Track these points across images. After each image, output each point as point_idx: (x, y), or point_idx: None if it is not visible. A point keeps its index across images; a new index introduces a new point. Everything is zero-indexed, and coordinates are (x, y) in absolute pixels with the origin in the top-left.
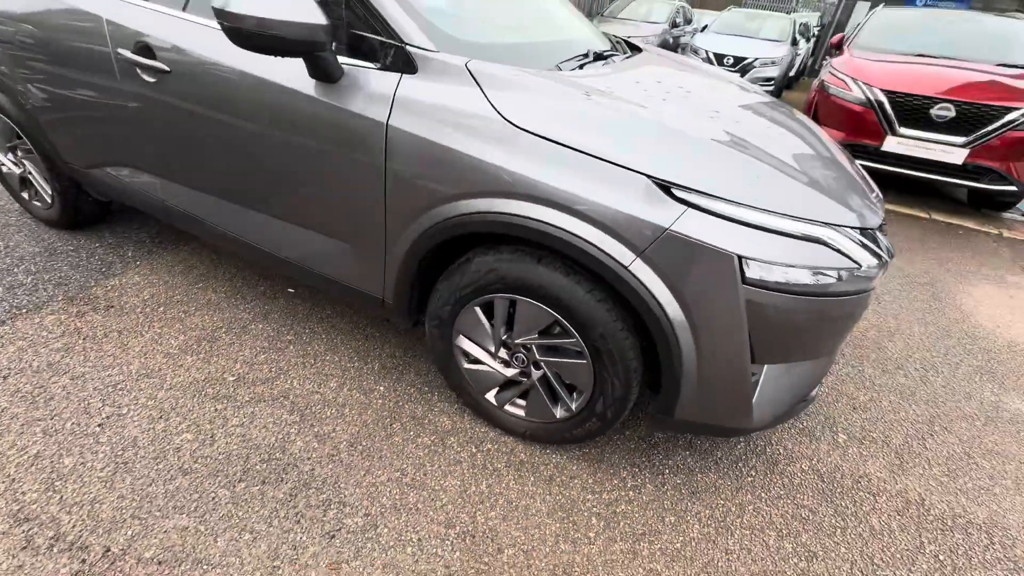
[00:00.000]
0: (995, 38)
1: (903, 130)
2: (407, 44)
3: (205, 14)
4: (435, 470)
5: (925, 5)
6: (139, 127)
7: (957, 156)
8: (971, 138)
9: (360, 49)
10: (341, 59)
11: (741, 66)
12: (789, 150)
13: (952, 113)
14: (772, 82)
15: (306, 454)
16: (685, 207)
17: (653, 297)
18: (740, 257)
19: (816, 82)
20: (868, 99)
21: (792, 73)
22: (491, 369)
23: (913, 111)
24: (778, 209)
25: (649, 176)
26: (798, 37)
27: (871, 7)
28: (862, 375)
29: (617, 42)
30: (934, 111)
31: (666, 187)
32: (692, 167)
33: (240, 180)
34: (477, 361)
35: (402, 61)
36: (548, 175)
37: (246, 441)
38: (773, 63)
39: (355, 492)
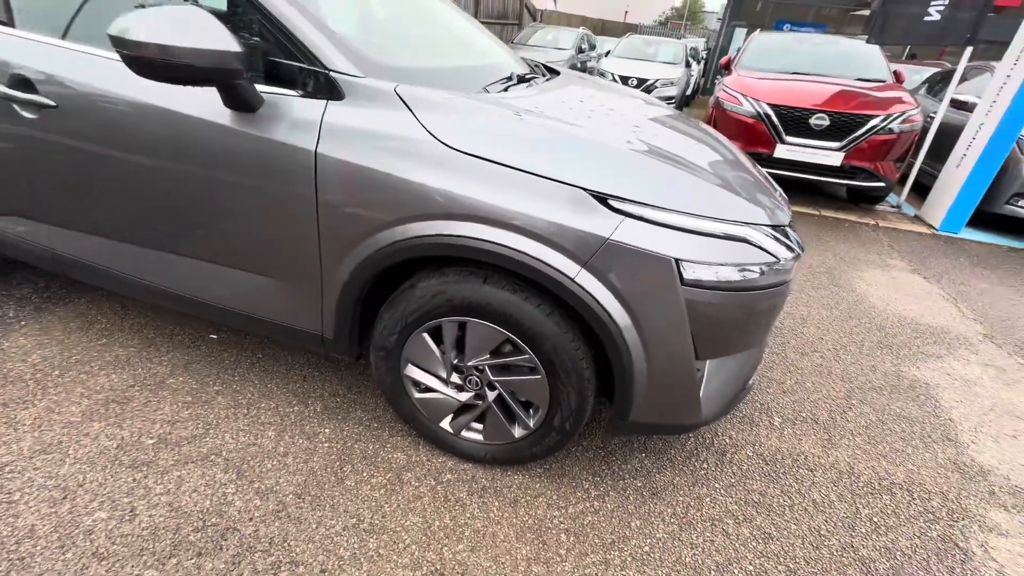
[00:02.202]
0: (851, 58)
1: (789, 138)
2: (331, 70)
3: (96, 42)
4: (394, 510)
5: (790, 30)
6: (17, 169)
7: (835, 159)
8: (844, 143)
9: (279, 76)
10: (259, 87)
11: (644, 87)
12: (704, 157)
13: (827, 122)
14: (672, 100)
15: (247, 514)
16: (622, 216)
17: (601, 306)
18: (677, 260)
19: (712, 99)
20: (758, 112)
21: (688, 92)
22: (444, 396)
23: (795, 121)
24: (705, 213)
25: (586, 189)
26: (690, 60)
27: (747, 33)
28: (786, 360)
29: (536, 66)
30: (812, 120)
31: (603, 199)
32: (625, 178)
33: (148, 221)
34: (429, 389)
35: (327, 88)
36: (487, 194)
37: (174, 510)
38: (672, 83)
39: (308, 548)
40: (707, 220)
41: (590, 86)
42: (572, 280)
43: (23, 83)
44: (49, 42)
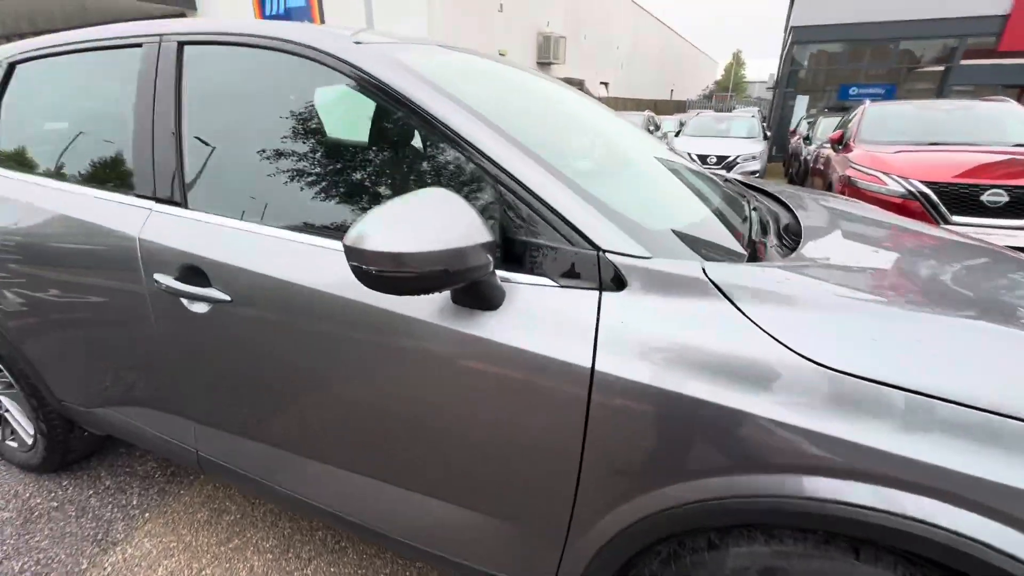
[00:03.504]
0: (995, 121)
1: (956, 218)
2: (605, 250)
3: (282, 222)
4: None
5: (856, 96)
6: (175, 365)
7: (1022, 239)
8: None
9: (519, 257)
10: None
11: (724, 164)
12: None
13: (1006, 198)
14: (757, 174)
15: None
16: None
17: None
18: None
19: (837, 179)
20: (909, 191)
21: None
22: None
23: (962, 199)
24: None
25: None
26: (767, 132)
27: (808, 102)
28: None
29: (727, 180)
30: (986, 197)
31: None
32: None
33: (329, 435)
34: None
35: (600, 274)
36: (911, 445)
37: None
38: (754, 158)
39: None
40: None
41: (849, 219)
42: None
43: (195, 274)
44: (227, 225)
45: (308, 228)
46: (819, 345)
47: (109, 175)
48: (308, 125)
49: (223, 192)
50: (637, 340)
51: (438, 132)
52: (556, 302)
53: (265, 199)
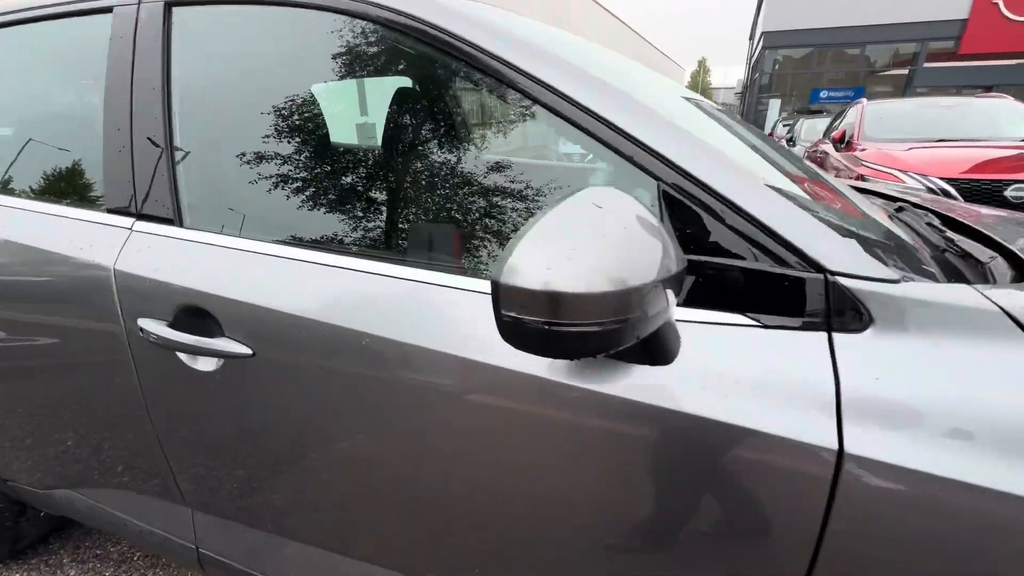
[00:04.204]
0: (998, 117)
1: None
2: (836, 272)
3: (338, 246)
4: None
5: (827, 99)
6: (169, 437)
7: None
8: None
9: (708, 292)
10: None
11: None
12: None
13: None
14: None
15: None
16: None
17: None
18: None
19: (845, 178)
20: (929, 188)
21: None
22: None
23: (984, 195)
24: None
25: None
26: None
27: (780, 104)
28: None
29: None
30: (1009, 192)
31: None
32: None
33: (379, 526)
34: None
35: (829, 306)
36: None
37: None
38: None
39: None
40: None
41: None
42: None
43: (198, 318)
44: (244, 248)
45: (374, 250)
46: None
47: (69, 185)
48: (359, 107)
49: (236, 203)
50: (901, 405)
51: (565, 115)
52: (761, 349)
53: (300, 211)
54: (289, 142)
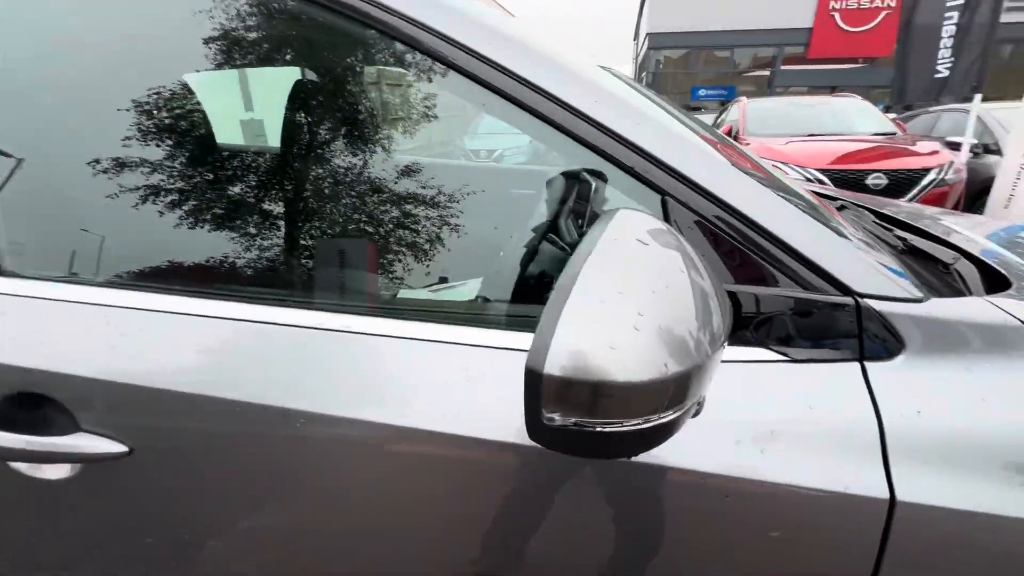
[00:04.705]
0: (853, 114)
1: None
2: (865, 295)
3: (248, 292)
4: None
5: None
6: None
7: None
8: (906, 200)
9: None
10: None
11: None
12: None
13: (885, 181)
14: None
15: None
16: None
17: None
18: None
19: None
20: (807, 178)
21: None
22: None
23: (850, 184)
24: None
25: None
26: None
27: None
28: None
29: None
30: (869, 181)
31: None
32: None
33: None
34: None
35: (861, 334)
36: None
37: None
38: None
39: None
40: None
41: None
42: None
43: (33, 407)
44: (102, 302)
45: (289, 291)
46: None
47: None
48: (244, 100)
49: (82, 238)
50: (948, 441)
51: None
52: (793, 387)
53: (176, 242)
54: (156, 147)
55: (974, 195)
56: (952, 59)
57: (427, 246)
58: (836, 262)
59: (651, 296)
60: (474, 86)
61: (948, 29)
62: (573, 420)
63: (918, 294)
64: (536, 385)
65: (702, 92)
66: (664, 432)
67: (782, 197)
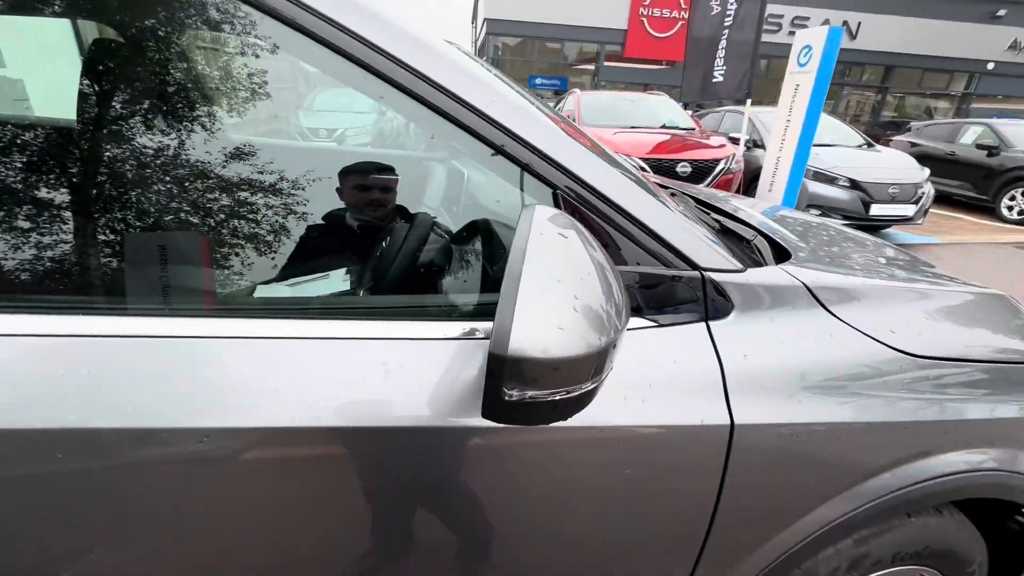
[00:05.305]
0: (664, 111)
1: None
2: (707, 268)
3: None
4: None
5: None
6: None
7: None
8: (705, 184)
9: None
10: None
11: None
12: None
13: (690, 169)
14: None
15: None
16: None
17: None
18: None
19: None
20: (636, 167)
21: None
22: None
23: (666, 171)
24: None
25: None
26: None
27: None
28: None
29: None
30: (679, 169)
31: None
32: None
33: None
34: None
35: (706, 300)
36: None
37: None
38: None
39: None
40: None
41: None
42: None
43: None
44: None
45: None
46: (906, 337)
47: None
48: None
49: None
50: (764, 375)
51: (432, 102)
52: (660, 345)
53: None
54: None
55: (749, 181)
56: (724, 67)
57: (271, 237)
58: (687, 244)
59: (579, 281)
60: (322, 50)
61: (723, 43)
62: (529, 394)
63: (739, 266)
64: (500, 367)
65: (538, 80)
66: (592, 396)
67: (645, 190)
